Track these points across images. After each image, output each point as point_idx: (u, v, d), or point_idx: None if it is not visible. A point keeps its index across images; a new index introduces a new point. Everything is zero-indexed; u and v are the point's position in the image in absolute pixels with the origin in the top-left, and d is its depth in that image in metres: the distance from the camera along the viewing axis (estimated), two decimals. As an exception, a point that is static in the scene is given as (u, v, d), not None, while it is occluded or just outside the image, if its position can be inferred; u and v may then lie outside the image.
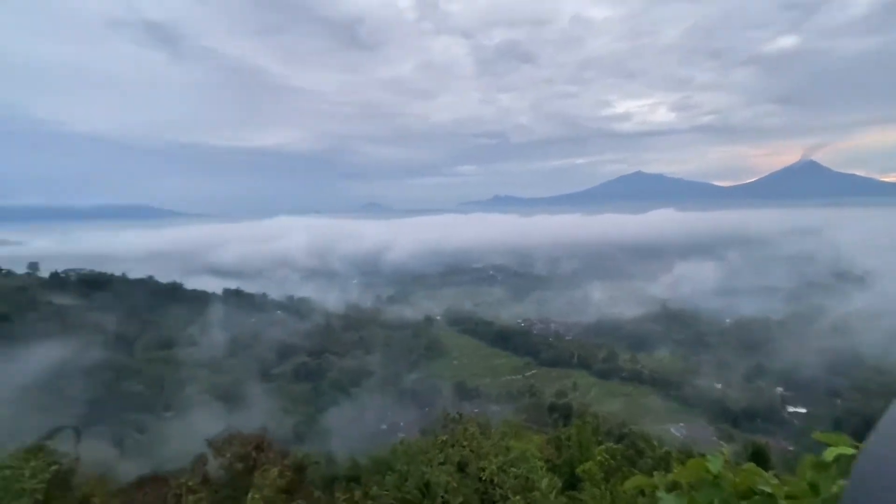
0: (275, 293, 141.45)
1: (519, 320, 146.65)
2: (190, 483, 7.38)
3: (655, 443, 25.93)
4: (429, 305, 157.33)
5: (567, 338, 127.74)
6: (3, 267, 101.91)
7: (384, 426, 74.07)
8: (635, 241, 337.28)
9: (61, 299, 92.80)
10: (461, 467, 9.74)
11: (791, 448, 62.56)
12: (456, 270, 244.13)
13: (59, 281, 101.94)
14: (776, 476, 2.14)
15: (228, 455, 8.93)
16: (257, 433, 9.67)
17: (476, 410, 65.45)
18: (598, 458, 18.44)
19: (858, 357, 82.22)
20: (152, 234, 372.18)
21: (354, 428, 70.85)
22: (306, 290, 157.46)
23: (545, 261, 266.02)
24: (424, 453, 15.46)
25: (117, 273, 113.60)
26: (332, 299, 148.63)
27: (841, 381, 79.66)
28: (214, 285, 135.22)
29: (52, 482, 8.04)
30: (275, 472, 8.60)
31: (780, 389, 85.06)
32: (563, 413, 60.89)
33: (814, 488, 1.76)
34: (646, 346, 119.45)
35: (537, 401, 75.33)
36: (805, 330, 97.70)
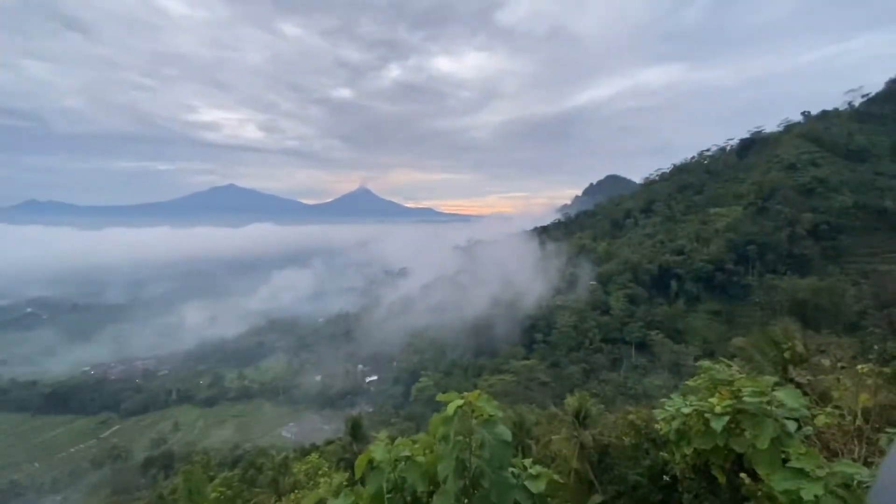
0: None
1: (85, 368, 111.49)
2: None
3: (273, 453, 26.81)
4: None
5: (161, 373, 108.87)
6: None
7: None
8: (234, 255, 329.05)
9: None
10: None
11: (371, 409, 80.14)
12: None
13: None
14: (413, 440, 2.98)
15: None
16: None
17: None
18: (213, 494, 17.22)
19: (410, 327, 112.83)
20: None
21: None
22: None
23: (123, 285, 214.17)
24: None
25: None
26: None
27: (400, 347, 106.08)
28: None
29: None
30: None
31: (360, 366, 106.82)
32: (163, 465, 51.56)
33: (445, 439, 2.53)
34: (253, 360, 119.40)
35: (124, 463, 59.84)
36: (372, 315, 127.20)
